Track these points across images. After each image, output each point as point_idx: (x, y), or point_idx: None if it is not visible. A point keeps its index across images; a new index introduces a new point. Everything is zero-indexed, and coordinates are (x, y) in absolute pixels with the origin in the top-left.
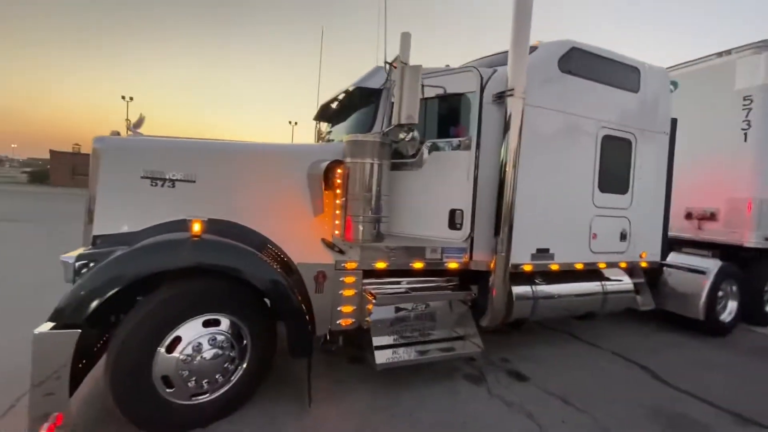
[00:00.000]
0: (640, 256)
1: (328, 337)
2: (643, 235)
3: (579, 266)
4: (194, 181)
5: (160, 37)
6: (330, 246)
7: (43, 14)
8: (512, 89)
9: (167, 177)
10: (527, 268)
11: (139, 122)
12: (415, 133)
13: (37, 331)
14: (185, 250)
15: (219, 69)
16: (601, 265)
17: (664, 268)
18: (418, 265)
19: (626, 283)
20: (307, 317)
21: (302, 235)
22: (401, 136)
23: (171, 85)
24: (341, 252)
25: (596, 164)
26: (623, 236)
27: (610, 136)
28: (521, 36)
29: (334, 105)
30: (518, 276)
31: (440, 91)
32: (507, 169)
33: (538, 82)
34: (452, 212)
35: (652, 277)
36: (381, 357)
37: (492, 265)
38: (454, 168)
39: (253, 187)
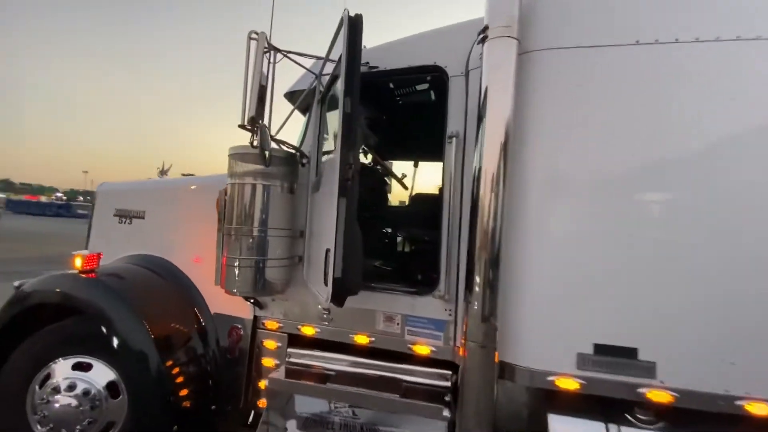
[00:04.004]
0: None
1: (251, 419)
2: None
3: (753, 408)
4: (143, 218)
5: None
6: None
7: None
8: (486, 26)
9: (127, 214)
10: (566, 384)
11: (165, 169)
12: (265, 136)
13: None
14: (50, 284)
15: None
16: None
17: None
18: (361, 339)
19: None
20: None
21: None
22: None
23: None
24: (258, 305)
25: None
26: None
27: None
28: None
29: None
30: (560, 397)
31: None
32: (483, 179)
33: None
34: (327, 254)
35: None
36: None
37: (462, 358)
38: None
39: (179, 223)
